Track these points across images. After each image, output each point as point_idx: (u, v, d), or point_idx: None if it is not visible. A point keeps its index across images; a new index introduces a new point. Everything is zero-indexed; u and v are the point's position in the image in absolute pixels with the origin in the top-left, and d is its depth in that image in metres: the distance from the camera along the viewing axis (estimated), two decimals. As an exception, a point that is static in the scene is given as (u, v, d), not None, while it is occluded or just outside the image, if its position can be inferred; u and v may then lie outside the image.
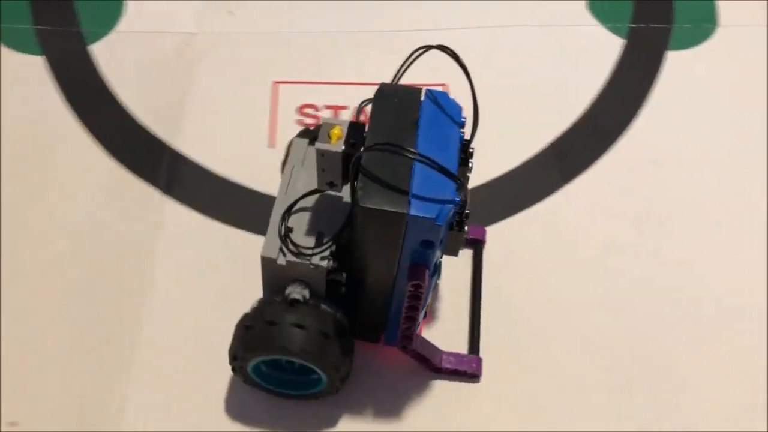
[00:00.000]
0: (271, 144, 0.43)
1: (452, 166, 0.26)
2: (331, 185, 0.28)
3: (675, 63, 0.46)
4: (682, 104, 0.45)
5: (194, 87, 0.49)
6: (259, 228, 0.34)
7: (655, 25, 0.46)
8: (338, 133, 0.26)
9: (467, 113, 0.29)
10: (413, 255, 0.26)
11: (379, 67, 0.37)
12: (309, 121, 0.44)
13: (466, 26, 0.49)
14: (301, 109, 0.44)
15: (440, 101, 0.28)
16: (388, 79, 0.30)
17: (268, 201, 0.33)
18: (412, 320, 0.30)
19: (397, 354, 0.33)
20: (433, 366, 0.34)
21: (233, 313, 0.33)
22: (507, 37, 0.49)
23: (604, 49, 0.48)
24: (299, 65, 0.47)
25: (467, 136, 0.29)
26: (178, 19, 0.53)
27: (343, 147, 0.26)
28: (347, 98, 0.45)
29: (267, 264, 0.30)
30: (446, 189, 0.25)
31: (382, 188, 0.25)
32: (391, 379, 0.36)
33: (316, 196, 0.30)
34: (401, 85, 0.29)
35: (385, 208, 0.24)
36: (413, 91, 0.28)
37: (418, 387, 0.35)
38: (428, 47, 0.29)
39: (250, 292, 0.33)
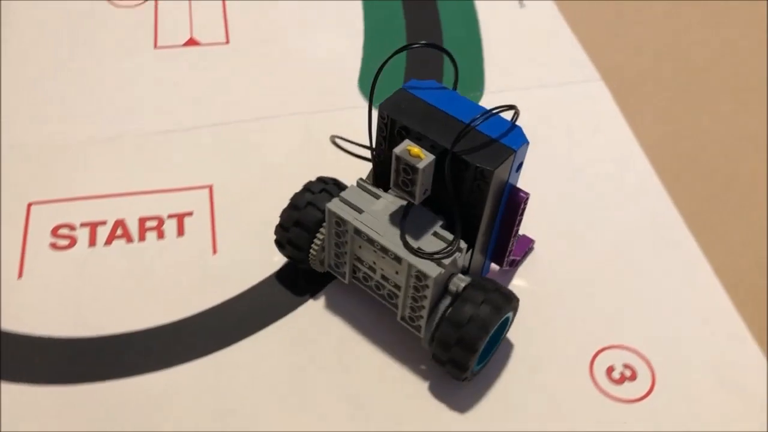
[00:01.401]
0: (20, 275, 0.33)
1: (481, 109, 0.28)
2: (424, 194, 0.29)
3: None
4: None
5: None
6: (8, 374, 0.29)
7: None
8: (417, 150, 0.27)
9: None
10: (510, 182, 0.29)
11: (142, 173, 0.36)
12: (63, 242, 0.35)
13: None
14: (55, 231, 0.35)
15: (424, 85, 0.30)
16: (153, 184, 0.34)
17: (20, 341, 0.29)
18: (516, 236, 0.32)
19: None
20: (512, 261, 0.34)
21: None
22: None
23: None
24: (55, 180, 0.37)
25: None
26: None
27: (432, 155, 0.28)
28: (106, 212, 0.35)
29: (436, 283, 0.28)
30: (503, 123, 0.28)
31: (480, 152, 0.28)
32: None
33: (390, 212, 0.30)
34: (392, 100, 0.29)
35: (501, 159, 0.27)
36: (403, 93, 0.30)
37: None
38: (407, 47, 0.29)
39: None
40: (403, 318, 0.30)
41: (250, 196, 0.36)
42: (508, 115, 0.28)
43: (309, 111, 0.40)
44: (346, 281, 0.31)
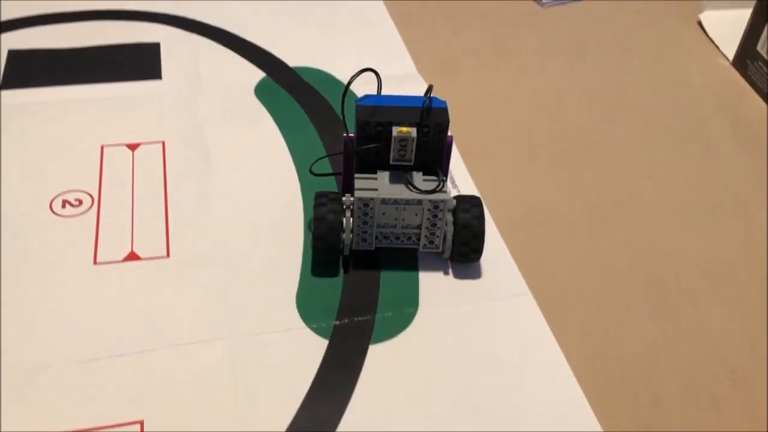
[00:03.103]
0: None
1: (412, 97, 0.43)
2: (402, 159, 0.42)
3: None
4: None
5: None
6: None
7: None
8: (404, 128, 0.41)
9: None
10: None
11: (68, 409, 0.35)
12: None
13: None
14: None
15: (368, 97, 0.42)
16: None
17: None
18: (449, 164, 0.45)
19: None
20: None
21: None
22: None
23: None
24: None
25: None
26: None
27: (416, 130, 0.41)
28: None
29: (447, 206, 0.42)
30: (425, 99, 0.42)
31: (431, 118, 0.41)
32: None
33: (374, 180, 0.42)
34: (359, 111, 0.41)
35: (445, 116, 0.42)
36: (361, 107, 0.42)
37: None
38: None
39: None
40: (424, 246, 0.43)
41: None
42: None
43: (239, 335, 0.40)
44: (373, 247, 0.43)
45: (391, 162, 0.42)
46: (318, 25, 0.67)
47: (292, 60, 0.62)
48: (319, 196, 0.43)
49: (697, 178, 0.54)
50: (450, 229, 0.43)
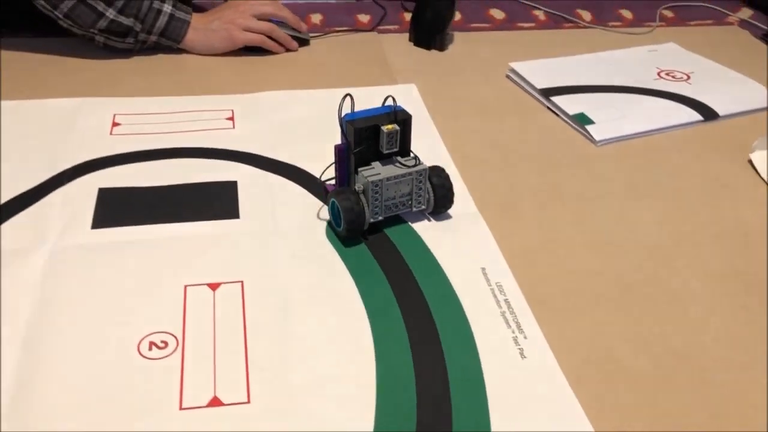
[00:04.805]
0: None
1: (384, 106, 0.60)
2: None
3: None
4: None
5: None
6: None
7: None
8: (389, 126, 0.58)
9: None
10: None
11: None
12: None
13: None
14: None
15: (353, 113, 0.59)
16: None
17: None
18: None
19: None
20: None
21: None
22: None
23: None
24: None
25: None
26: None
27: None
28: None
29: (427, 172, 0.61)
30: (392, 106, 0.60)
31: (399, 116, 0.60)
32: None
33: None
34: (350, 124, 0.58)
35: (408, 114, 0.60)
36: (348, 122, 0.58)
37: None
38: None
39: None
40: (416, 206, 0.61)
41: None
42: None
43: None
44: (381, 217, 0.60)
45: (384, 151, 0.59)
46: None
47: (360, 199, 0.65)
48: (338, 193, 0.58)
49: (760, 333, 0.54)
50: (430, 189, 0.61)
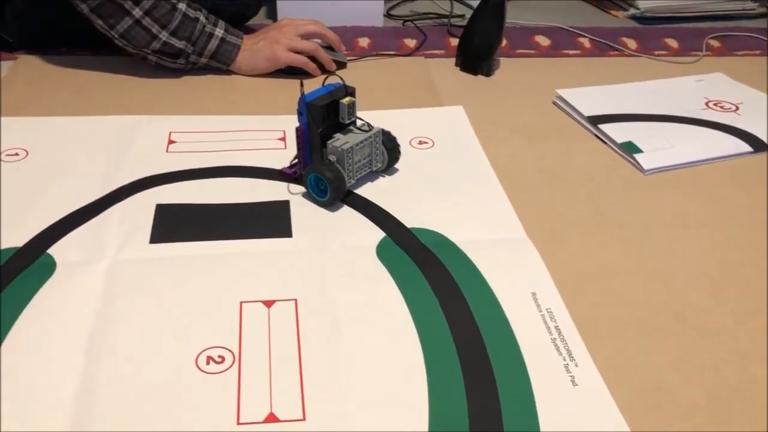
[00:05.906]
0: None
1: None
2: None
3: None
4: None
5: None
6: None
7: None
8: (347, 99, 0.67)
9: None
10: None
11: None
12: None
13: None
14: None
15: (313, 92, 0.67)
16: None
17: None
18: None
19: None
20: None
21: None
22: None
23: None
24: None
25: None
26: None
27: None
28: None
29: (381, 135, 0.71)
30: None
31: (349, 91, 0.69)
32: None
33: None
34: (311, 103, 0.66)
35: (353, 88, 0.69)
36: (309, 101, 0.66)
37: None
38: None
39: None
40: (375, 165, 0.71)
41: None
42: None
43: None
44: (354, 180, 0.69)
45: (346, 122, 0.67)
46: (433, 189, 0.72)
47: (409, 221, 0.66)
48: (315, 168, 0.66)
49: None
50: (384, 149, 0.71)
